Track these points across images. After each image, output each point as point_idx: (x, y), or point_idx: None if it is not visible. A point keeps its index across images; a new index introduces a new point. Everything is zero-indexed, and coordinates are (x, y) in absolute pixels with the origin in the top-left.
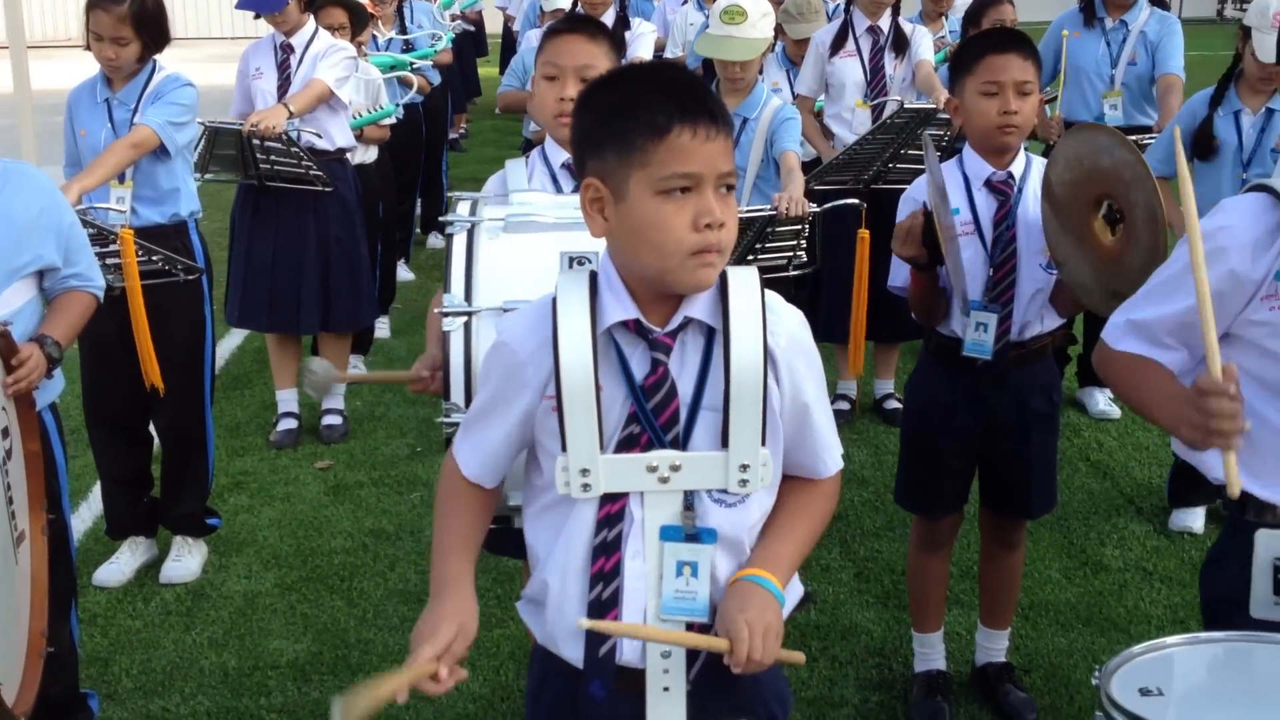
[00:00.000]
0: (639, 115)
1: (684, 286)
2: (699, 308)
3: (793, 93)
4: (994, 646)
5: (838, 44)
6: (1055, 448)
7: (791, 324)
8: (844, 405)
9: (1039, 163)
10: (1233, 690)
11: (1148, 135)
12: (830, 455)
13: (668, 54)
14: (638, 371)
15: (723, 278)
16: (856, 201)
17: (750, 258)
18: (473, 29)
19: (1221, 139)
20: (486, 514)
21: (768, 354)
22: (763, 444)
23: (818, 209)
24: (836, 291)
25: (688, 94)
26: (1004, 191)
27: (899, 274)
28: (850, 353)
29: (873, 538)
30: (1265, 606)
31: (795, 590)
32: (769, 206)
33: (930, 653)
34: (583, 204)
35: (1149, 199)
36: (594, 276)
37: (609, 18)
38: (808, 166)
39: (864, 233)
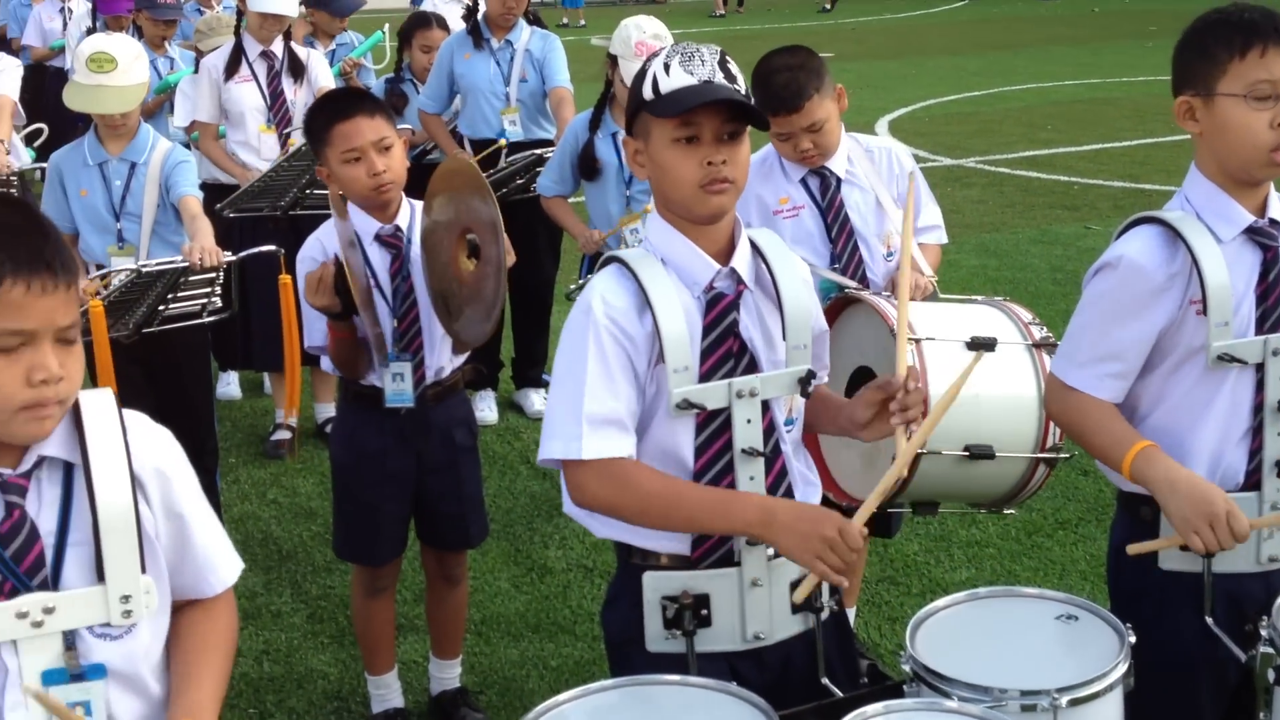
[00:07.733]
0: None
1: (18, 439)
2: (52, 445)
3: None
4: (446, 675)
5: (231, 69)
6: (480, 476)
7: (158, 444)
8: (285, 434)
9: (419, 206)
10: None
11: (548, 149)
12: (217, 574)
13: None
14: None
15: (76, 408)
16: (275, 248)
17: (161, 307)
18: None
19: (603, 159)
20: None
21: (135, 479)
22: (143, 571)
23: (233, 258)
24: (267, 322)
25: (20, 243)
26: (395, 245)
27: (315, 333)
28: (287, 393)
29: (325, 574)
30: (658, 641)
31: None
32: (180, 259)
33: (386, 693)
34: None
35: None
36: None
37: None
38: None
39: (286, 279)
